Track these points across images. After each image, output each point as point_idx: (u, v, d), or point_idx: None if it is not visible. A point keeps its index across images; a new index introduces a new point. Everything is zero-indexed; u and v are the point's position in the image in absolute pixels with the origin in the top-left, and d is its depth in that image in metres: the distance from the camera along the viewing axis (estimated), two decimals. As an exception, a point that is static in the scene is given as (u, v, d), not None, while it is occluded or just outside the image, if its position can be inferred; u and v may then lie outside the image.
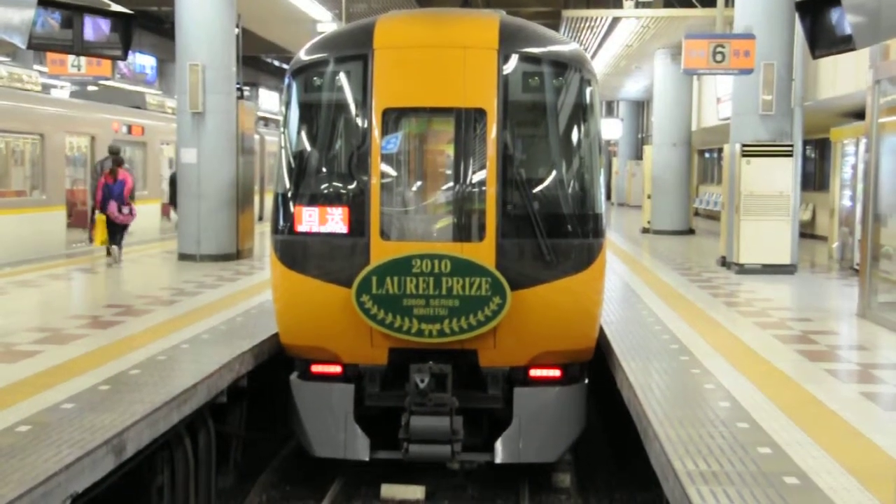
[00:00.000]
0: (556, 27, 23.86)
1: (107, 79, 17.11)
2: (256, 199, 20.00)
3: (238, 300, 10.51)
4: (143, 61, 32.31)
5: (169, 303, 10.32)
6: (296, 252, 7.27)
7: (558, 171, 7.35)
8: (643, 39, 22.29)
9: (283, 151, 7.51)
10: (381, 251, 7.03)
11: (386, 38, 7.27)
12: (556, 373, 7.52)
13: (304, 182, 7.36)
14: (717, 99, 25.94)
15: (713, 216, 28.54)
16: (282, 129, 7.65)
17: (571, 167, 7.40)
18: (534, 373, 7.49)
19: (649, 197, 22.77)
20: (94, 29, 7.16)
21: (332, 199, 7.22)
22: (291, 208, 7.27)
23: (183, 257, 14.76)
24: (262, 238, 18.83)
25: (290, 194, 7.32)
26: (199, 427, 7.20)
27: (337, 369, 7.53)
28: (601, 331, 8.23)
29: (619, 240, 20.43)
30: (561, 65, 7.41)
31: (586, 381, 7.76)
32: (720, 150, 27.87)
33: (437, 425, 7.07)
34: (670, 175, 22.37)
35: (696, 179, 28.92)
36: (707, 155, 33.26)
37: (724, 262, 14.56)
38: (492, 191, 7.02)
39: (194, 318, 9.27)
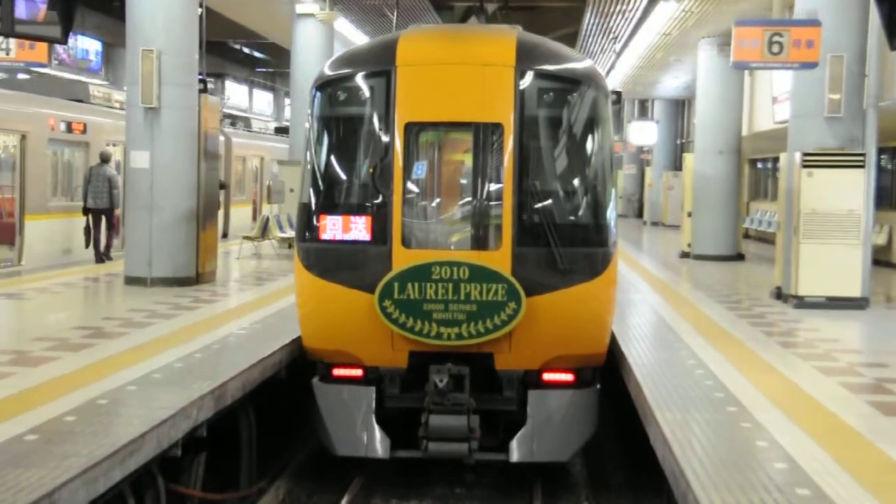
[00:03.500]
0: (580, 12, 23.97)
1: (42, 65, 17.18)
2: (220, 212, 20.00)
3: (197, 332, 10.50)
4: (87, 45, 32.46)
5: (113, 335, 10.29)
6: (320, 259, 9.05)
7: (571, 183, 9.21)
8: (684, 27, 22.39)
9: (307, 162, 9.31)
10: (403, 258, 8.75)
11: (408, 56, 9.08)
12: (568, 377, 9.26)
13: (328, 192, 9.22)
14: (773, 98, 26.03)
15: (767, 239, 28.54)
16: (306, 141, 9.44)
17: (584, 179, 9.22)
18: (547, 376, 9.21)
19: (690, 215, 22.80)
20: (28, 5, 7.15)
21: (356, 209, 9.00)
22: (316, 217, 9.06)
23: (131, 281, 14.77)
24: (227, 259, 18.82)
25: (314, 204, 9.15)
26: (147, 486, 7.16)
27: (358, 372, 9.27)
28: (626, 364, 9.17)
29: (652, 266, 20.43)
30: (574, 81, 9.23)
31: (598, 385, 9.49)
32: (776, 160, 27.91)
33: (455, 424, 8.71)
34: (715, 189, 22.40)
35: (746, 194, 28.94)
36: (760, 165, 33.35)
37: (780, 295, 14.55)
38: (508, 202, 8.77)
39: (143, 353, 9.26)
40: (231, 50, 46.06)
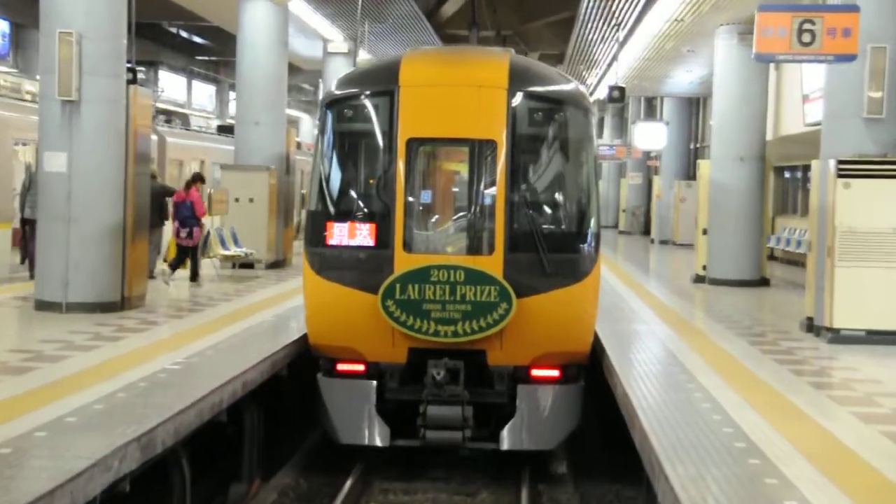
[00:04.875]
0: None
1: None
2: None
3: (121, 368, 10.43)
4: (-6, 27, 32.32)
5: (19, 371, 10.20)
6: (327, 263, 11.76)
7: (559, 195, 12.36)
8: (699, 12, 22.48)
9: (316, 173, 12.14)
10: (404, 262, 11.43)
11: (410, 77, 11.86)
12: (555, 373, 12.00)
13: (335, 201, 12.09)
14: (804, 97, 26.14)
15: (796, 261, 28.69)
16: (314, 154, 12.35)
17: (570, 191, 12.27)
18: (535, 372, 11.91)
19: (705, 232, 22.87)
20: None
21: (361, 217, 11.81)
22: (324, 224, 11.81)
23: (42, 306, 14.67)
24: (160, 281, 18.72)
25: (323, 212, 12.00)
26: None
27: (360, 367, 11.94)
28: (629, 406, 9.64)
29: (661, 292, 20.49)
30: (561, 101, 12.20)
31: (582, 383, 12.30)
32: (806, 169, 28.06)
33: (451, 414, 11.36)
34: (736, 202, 22.47)
35: (771, 209, 29.10)
36: (788, 174, 33.55)
37: (812, 327, 14.58)
38: (500, 211, 11.50)
39: (55, 393, 9.16)
40: (166, 34, 45.95)
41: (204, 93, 57.39)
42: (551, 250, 11.53)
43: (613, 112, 56.56)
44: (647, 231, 44.92)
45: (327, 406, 12.00)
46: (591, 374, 12.57)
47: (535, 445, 11.98)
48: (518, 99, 11.85)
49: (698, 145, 41.59)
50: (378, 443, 11.84)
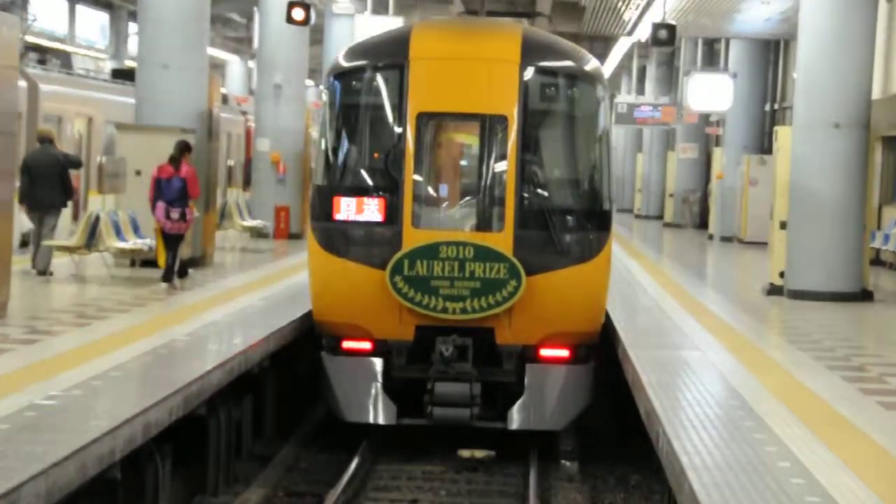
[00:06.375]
0: None
1: None
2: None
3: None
4: None
5: None
6: (334, 237, 15.41)
7: (570, 172, 16.44)
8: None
9: (322, 146, 16.05)
10: (413, 238, 14.99)
11: (421, 50, 15.60)
12: (564, 353, 15.61)
13: (343, 175, 16.06)
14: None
15: (909, 267, 28.70)
16: (321, 127, 16.28)
17: (582, 168, 16.33)
18: (544, 352, 15.50)
19: (784, 227, 22.75)
20: None
21: (370, 191, 15.47)
22: (331, 199, 15.42)
23: None
24: (25, 282, 18.69)
25: (329, 186, 15.80)
26: None
27: (366, 345, 15.54)
28: (677, 465, 9.67)
29: (722, 307, 20.65)
30: (575, 77, 16.14)
31: (593, 363, 16.01)
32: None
33: (459, 391, 14.83)
34: (828, 185, 22.35)
35: (877, 195, 29.07)
36: (900, 148, 33.47)
37: (932, 358, 14.57)
38: (511, 187, 15.12)
39: None
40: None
41: (93, 23, 57.21)
42: (562, 228, 15.41)
43: (659, 59, 56.54)
44: (702, 224, 44.94)
45: (333, 384, 15.58)
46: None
47: (542, 425, 15.83)
48: (530, 73, 15.65)
49: (777, 107, 41.59)
50: (384, 421, 15.52)
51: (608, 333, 16.74)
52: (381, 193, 15.32)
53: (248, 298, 18.80)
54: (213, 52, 41.46)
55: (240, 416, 14.56)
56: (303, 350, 16.80)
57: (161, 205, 19.28)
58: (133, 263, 21.59)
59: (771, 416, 11.34)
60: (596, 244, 15.55)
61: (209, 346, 14.20)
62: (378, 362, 15.45)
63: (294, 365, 17.03)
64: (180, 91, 22.87)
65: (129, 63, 43.72)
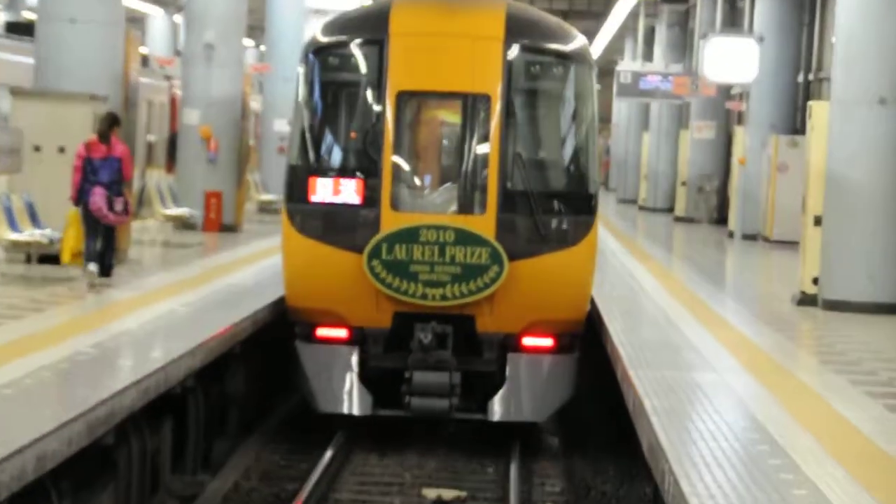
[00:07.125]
0: None
1: None
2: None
3: None
4: None
5: None
6: (309, 220, 17.63)
7: (555, 154, 18.98)
8: None
9: (297, 125, 18.18)
10: (392, 221, 17.12)
11: (401, 26, 17.68)
12: (548, 342, 17.87)
13: (319, 155, 18.20)
14: None
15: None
16: (296, 104, 18.29)
17: (567, 150, 18.74)
18: (527, 341, 17.77)
19: (819, 223, 22.82)
20: None
21: (347, 172, 17.78)
22: (306, 179, 17.65)
23: None
24: None
25: (305, 166, 17.99)
26: None
27: (342, 333, 17.67)
28: None
29: (744, 319, 20.67)
30: (560, 55, 18.33)
31: (577, 353, 18.26)
32: None
33: (438, 380, 16.94)
34: (872, 172, 22.42)
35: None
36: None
37: None
38: (493, 169, 17.40)
39: None
40: None
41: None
42: (546, 211, 17.70)
43: (670, 19, 56.69)
44: (721, 218, 45.04)
45: (307, 373, 17.74)
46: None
47: (524, 416, 18.15)
48: (514, 51, 17.90)
49: (811, 78, 41.68)
50: (359, 412, 17.67)
51: (594, 322, 18.72)
52: (358, 175, 17.56)
53: (170, 303, 18.77)
54: (130, 3, 41.39)
55: (157, 446, 14.38)
56: (239, 362, 16.86)
57: (100, 190, 19.45)
58: (29, 259, 21.42)
59: (800, 453, 11.30)
60: (582, 228, 17.85)
61: (120, 360, 14.09)
62: (353, 350, 17.56)
63: (226, 383, 17.02)
64: (90, 50, 22.81)
65: (28, 15, 43.62)
